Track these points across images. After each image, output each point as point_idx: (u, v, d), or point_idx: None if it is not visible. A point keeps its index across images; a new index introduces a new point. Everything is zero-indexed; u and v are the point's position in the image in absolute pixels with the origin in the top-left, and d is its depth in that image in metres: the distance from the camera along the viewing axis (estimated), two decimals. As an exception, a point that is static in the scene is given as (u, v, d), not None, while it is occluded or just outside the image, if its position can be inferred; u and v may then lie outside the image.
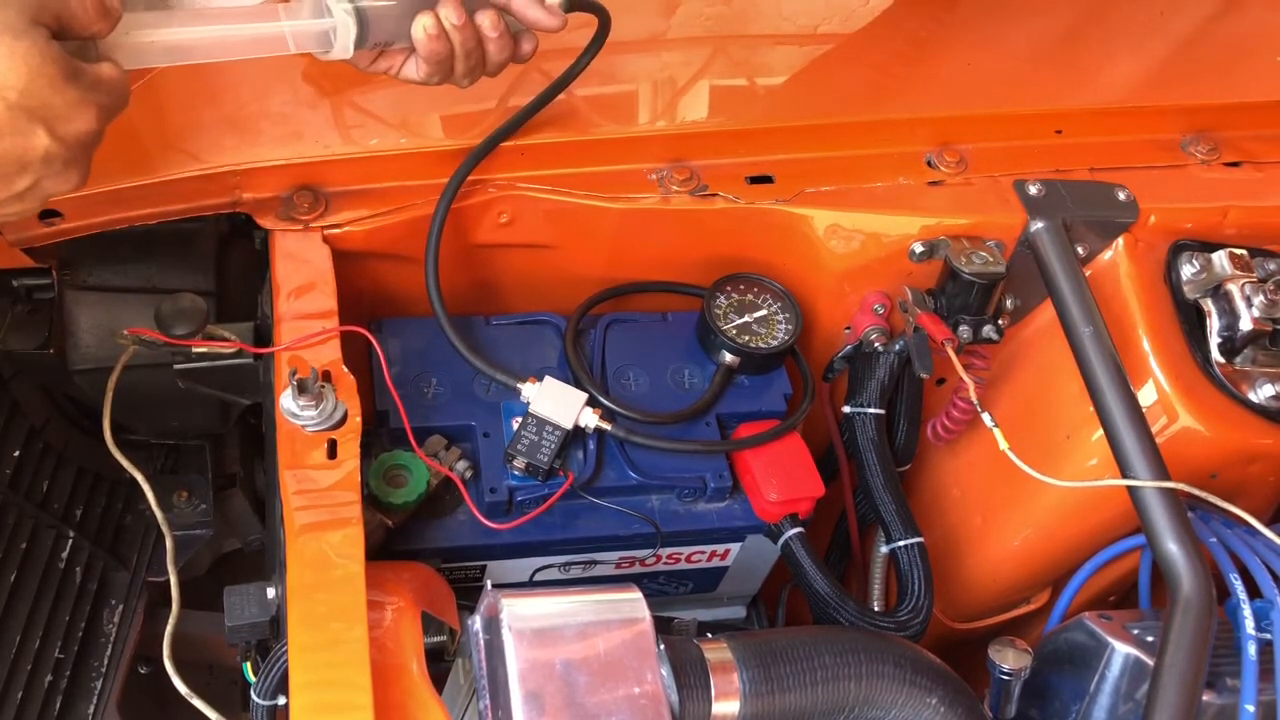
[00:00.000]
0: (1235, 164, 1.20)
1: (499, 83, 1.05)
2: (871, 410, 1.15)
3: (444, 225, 1.04)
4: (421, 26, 0.93)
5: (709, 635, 0.88)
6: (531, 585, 1.08)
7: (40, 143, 0.71)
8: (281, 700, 0.83)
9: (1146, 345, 1.07)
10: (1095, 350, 1.01)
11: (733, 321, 1.11)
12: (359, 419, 0.89)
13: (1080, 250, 1.11)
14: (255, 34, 0.85)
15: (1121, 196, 1.13)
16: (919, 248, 1.10)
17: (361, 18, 0.90)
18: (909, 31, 1.37)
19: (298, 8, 0.88)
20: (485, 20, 0.95)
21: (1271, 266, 1.11)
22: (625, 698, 0.76)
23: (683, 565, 1.12)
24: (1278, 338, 1.07)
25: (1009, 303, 1.13)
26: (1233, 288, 1.07)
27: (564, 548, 1.04)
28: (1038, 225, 1.10)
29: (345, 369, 0.92)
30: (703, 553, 1.11)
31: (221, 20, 0.83)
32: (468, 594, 0.94)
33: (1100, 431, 0.99)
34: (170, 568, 1.02)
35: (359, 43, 0.91)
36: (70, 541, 1.16)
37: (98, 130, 0.74)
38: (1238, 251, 1.09)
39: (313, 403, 0.87)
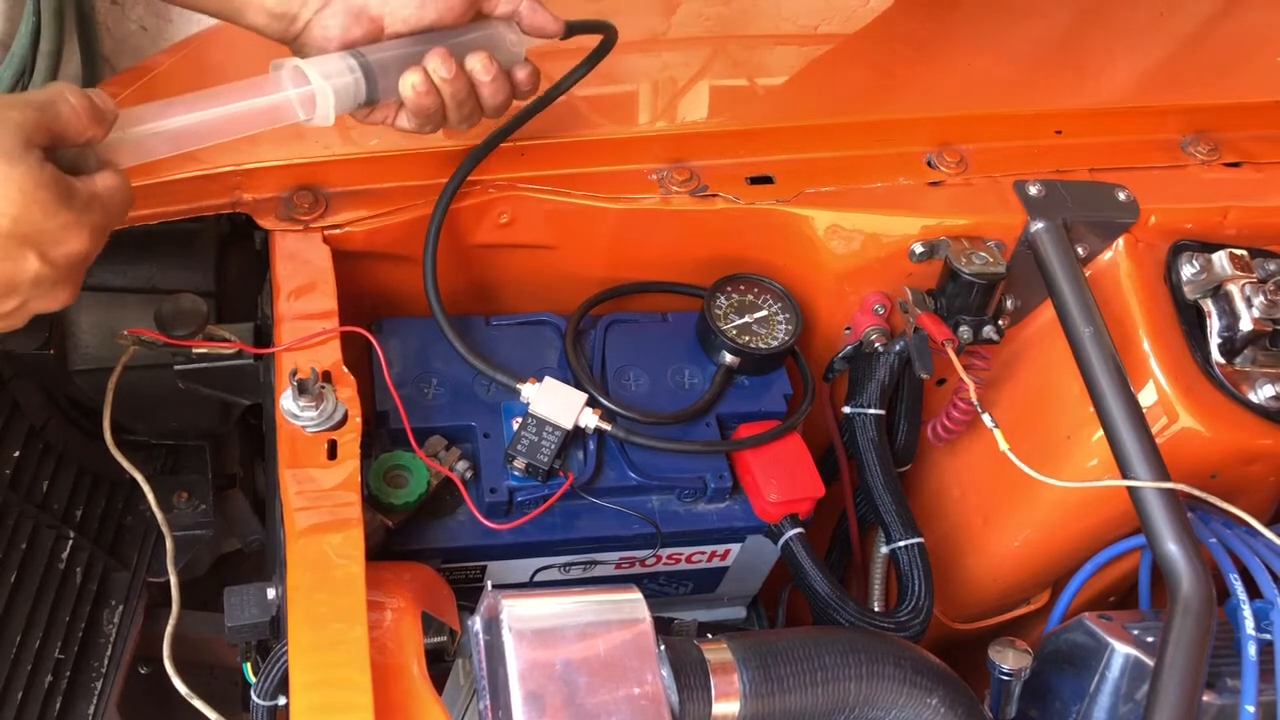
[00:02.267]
0: (1235, 164, 1.20)
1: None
2: (872, 411, 1.15)
3: (442, 226, 1.03)
4: (410, 84, 0.91)
5: (709, 636, 0.89)
6: (532, 586, 1.08)
7: (30, 267, 0.71)
8: (282, 701, 0.83)
9: (1146, 346, 1.07)
10: (1095, 351, 1.01)
11: (733, 322, 1.11)
12: (359, 419, 0.89)
13: (1080, 250, 1.11)
14: (260, 107, 0.84)
15: (1121, 197, 1.13)
16: (919, 248, 1.10)
17: (361, 73, 0.89)
18: (909, 31, 1.37)
19: (282, 78, 0.87)
20: (477, 64, 0.93)
21: (1271, 267, 1.11)
22: (625, 698, 0.76)
23: (683, 566, 1.12)
24: (1278, 338, 1.07)
25: (1009, 303, 1.13)
26: (1233, 288, 1.07)
27: (564, 548, 1.04)
28: (1038, 225, 1.10)
29: (345, 369, 0.92)
30: (703, 553, 1.11)
31: (223, 99, 0.83)
32: (468, 594, 0.94)
33: (1100, 432, 0.99)
34: (170, 568, 1.02)
35: (348, 107, 0.90)
36: (70, 542, 1.15)
37: (91, 250, 0.73)
38: (1238, 252, 1.09)
39: (313, 403, 0.87)
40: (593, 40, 1.06)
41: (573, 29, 1.02)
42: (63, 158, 0.72)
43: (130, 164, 0.77)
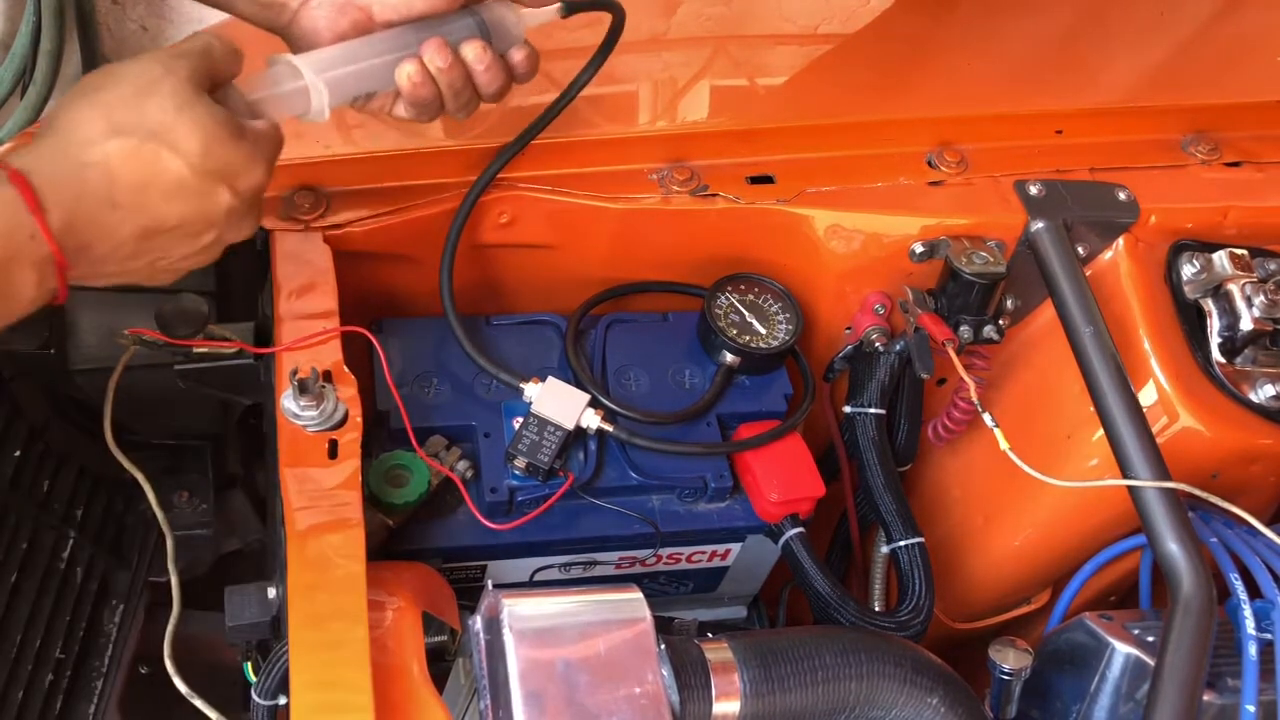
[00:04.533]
0: (1235, 164, 1.20)
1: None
2: (872, 410, 1.15)
3: (465, 223, 1.04)
4: (405, 75, 0.90)
5: (709, 635, 0.89)
6: (532, 585, 1.08)
7: (224, 200, 0.77)
8: (282, 700, 0.83)
9: (1147, 345, 1.07)
10: (1096, 350, 1.01)
11: (733, 321, 1.11)
12: (360, 419, 0.89)
13: (1081, 250, 1.11)
14: (260, 101, 0.86)
15: (1122, 196, 1.13)
16: (919, 248, 1.10)
17: (353, 66, 0.89)
18: (909, 31, 1.37)
19: (277, 74, 0.87)
20: (471, 53, 0.92)
21: (1272, 266, 1.11)
22: (626, 697, 0.76)
23: (683, 565, 1.12)
24: (1278, 338, 1.07)
25: (1009, 303, 1.13)
26: (1233, 288, 1.07)
27: (564, 548, 1.04)
28: (1038, 225, 1.10)
29: (346, 369, 0.92)
30: (703, 553, 1.11)
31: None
32: (468, 594, 0.94)
33: (1101, 431, 0.99)
34: (171, 568, 1.02)
35: (342, 101, 0.90)
36: (71, 542, 1.16)
37: (267, 180, 0.81)
38: (1238, 251, 1.09)
39: (313, 403, 0.87)
40: (592, 33, 1.06)
41: (573, 7, 0.99)
42: (225, 101, 0.79)
43: (277, 118, 0.85)
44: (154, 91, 0.74)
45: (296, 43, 0.93)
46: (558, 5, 0.98)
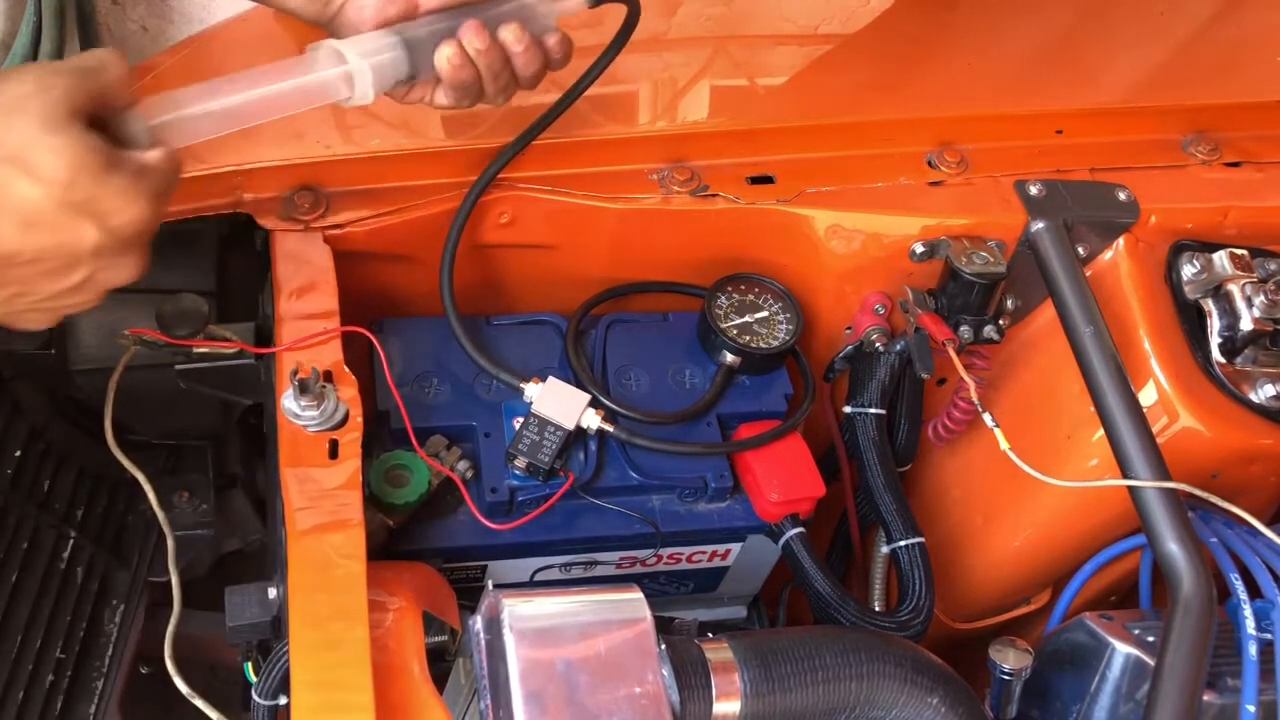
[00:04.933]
0: (1236, 164, 1.20)
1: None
2: (872, 410, 1.15)
3: (466, 223, 1.04)
4: (445, 58, 0.91)
5: (710, 635, 0.89)
6: (532, 585, 1.08)
7: (89, 236, 0.69)
8: (283, 700, 0.83)
9: (1147, 345, 1.07)
10: (1096, 350, 1.01)
11: (733, 321, 1.11)
12: (360, 419, 0.89)
13: (1081, 250, 1.11)
14: (303, 86, 0.84)
15: (1122, 197, 1.13)
16: (920, 248, 1.10)
17: (396, 50, 0.89)
18: (909, 31, 1.37)
19: (319, 58, 0.87)
20: (509, 35, 0.93)
21: (1272, 266, 1.11)
22: (626, 698, 0.76)
23: (683, 565, 1.12)
24: (1278, 338, 1.08)
25: (1010, 303, 1.13)
26: (1233, 288, 1.07)
27: (565, 548, 1.04)
28: (1038, 225, 1.10)
29: (346, 369, 0.92)
30: (703, 553, 1.11)
31: (266, 80, 0.83)
32: (469, 594, 0.94)
33: (1101, 431, 0.99)
34: (171, 568, 1.02)
35: (388, 84, 0.90)
36: (71, 542, 1.16)
37: (148, 217, 0.72)
38: (1238, 252, 1.09)
39: (314, 403, 0.87)
40: (592, 34, 1.05)
41: None
42: (115, 129, 0.72)
43: (180, 144, 0.77)
44: (20, 110, 0.66)
45: (340, 32, 0.93)
46: None
